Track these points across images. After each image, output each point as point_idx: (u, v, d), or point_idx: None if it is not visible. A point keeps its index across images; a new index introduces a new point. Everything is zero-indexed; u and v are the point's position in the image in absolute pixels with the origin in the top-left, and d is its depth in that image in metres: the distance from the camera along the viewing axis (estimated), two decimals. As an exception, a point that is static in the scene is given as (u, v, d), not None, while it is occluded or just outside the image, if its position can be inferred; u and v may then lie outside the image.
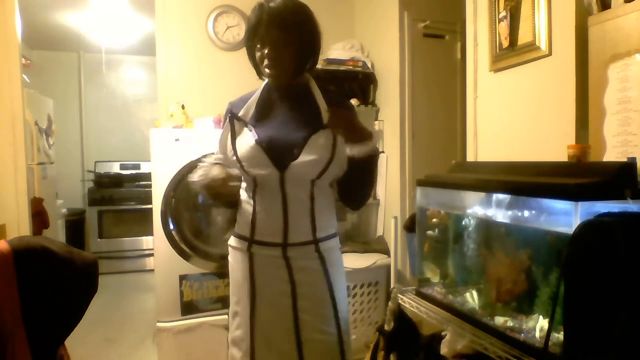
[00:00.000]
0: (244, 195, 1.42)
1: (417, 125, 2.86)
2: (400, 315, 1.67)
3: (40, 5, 4.02)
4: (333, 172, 1.35)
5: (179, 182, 2.51)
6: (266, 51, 1.29)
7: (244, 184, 1.43)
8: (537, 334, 1.15)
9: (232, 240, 1.45)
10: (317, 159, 1.30)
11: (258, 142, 1.32)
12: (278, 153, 1.31)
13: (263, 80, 1.44)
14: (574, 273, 0.96)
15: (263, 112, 1.38)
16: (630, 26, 1.38)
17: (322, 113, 1.34)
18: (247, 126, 1.36)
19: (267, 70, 1.32)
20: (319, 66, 1.58)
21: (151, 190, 2.54)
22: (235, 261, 1.44)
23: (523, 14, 1.79)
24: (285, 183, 1.31)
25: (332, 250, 1.41)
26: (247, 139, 1.34)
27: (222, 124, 1.48)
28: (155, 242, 2.54)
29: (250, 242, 1.38)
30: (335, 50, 3.10)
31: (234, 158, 1.35)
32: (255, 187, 1.36)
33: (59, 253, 1.23)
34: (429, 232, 1.62)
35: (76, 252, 1.30)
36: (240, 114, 1.39)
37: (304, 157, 1.30)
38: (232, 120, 1.40)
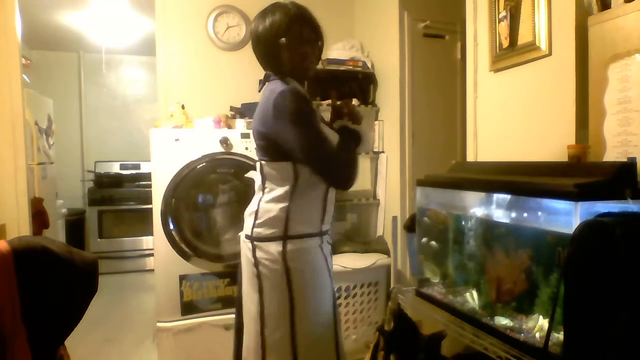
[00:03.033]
0: (315, 190, 1.38)
1: (417, 125, 2.86)
2: (400, 315, 1.67)
3: (40, 5, 4.02)
4: None
5: (179, 182, 2.51)
6: (320, 43, 1.35)
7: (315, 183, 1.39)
8: (537, 334, 1.15)
9: (300, 243, 1.35)
10: None
11: None
12: None
13: (270, 77, 1.41)
14: (574, 273, 0.96)
15: None
16: (630, 26, 1.38)
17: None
18: None
19: (312, 65, 1.36)
20: (319, 66, 1.60)
21: (151, 190, 2.54)
22: (308, 264, 1.36)
23: (523, 14, 1.79)
24: None
25: None
26: None
27: (309, 114, 1.33)
28: (155, 242, 2.53)
29: (321, 234, 1.40)
30: (335, 50, 3.09)
31: None
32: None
33: (59, 253, 1.23)
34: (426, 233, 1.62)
35: (76, 252, 1.30)
36: None
37: None
38: None
